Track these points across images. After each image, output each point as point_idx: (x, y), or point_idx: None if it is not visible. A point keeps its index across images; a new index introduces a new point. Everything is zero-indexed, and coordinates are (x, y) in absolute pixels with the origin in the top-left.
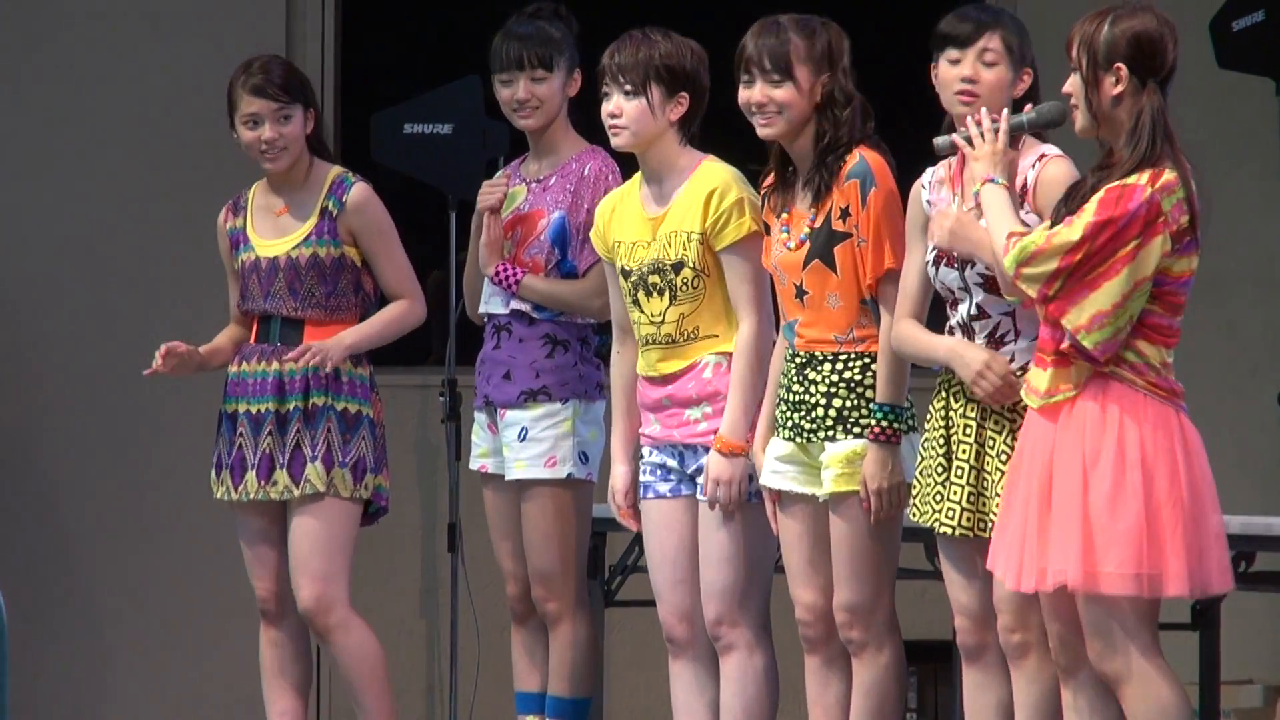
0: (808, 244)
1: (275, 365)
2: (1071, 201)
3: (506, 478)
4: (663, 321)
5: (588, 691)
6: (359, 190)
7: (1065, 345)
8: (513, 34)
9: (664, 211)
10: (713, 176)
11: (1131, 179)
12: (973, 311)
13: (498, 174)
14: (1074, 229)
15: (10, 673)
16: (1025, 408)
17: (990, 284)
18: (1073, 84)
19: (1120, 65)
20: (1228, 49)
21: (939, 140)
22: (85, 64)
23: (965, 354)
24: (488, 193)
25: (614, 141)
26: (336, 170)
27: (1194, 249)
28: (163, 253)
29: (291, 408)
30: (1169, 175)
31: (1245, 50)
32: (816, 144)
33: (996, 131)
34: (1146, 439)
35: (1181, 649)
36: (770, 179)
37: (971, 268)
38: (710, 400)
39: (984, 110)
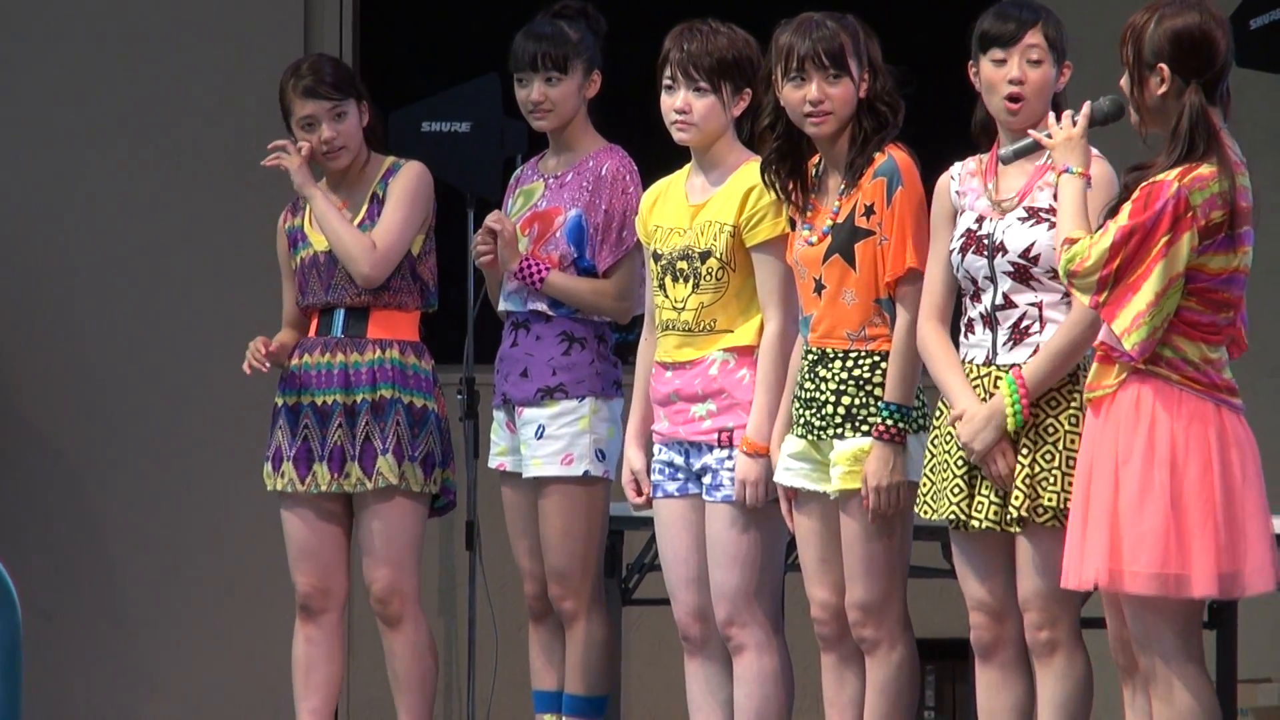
0: (829, 238)
1: (340, 357)
2: (1113, 205)
3: (523, 475)
4: (683, 308)
5: (605, 689)
6: (407, 164)
7: (1098, 342)
8: (530, 34)
9: (704, 201)
10: (753, 174)
11: (1160, 176)
12: (998, 301)
13: (498, 213)
14: (1108, 236)
15: (40, 671)
16: (1047, 401)
17: (1020, 273)
18: (1125, 81)
19: (1163, 66)
20: (1245, 47)
21: (1004, 151)
22: (103, 67)
23: (966, 412)
24: (480, 249)
25: (679, 137)
26: (391, 160)
27: (1229, 246)
28: (190, 252)
29: (359, 400)
30: (1203, 169)
31: (1262, 48)
32: (853, 142)
33: (1075, 121)
34: (1178, 436)
35: None
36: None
37: (1002, 255)
38: (714, 397)
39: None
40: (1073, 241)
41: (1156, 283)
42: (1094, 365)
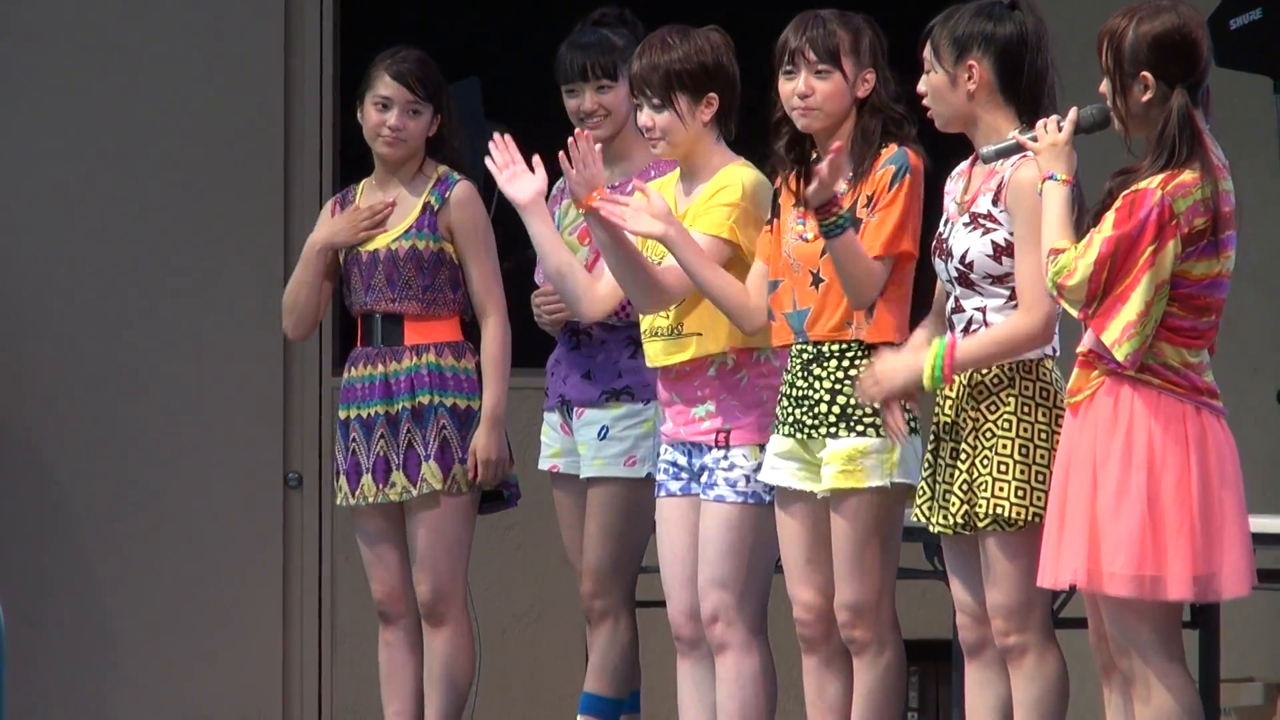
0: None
1: (380, 368)
2: (1095, 212)
3: (582, 475)
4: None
5: (624, 693)
6: (462, 187)
7: (1083, 349)
8: (576, 44)
9: (686, 208)
10: (728, 176)
11: (1143, 184)
12: (953, 305)
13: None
14: (1094, 248)
15: (14, 677)
16: (987, 405)
17: (963, 277)
18: (1106, 87)
19: (1146, 74)
20: (1225, 47)
21: (985, 151)
22: (81, 67)
23: (887, 354)
24: (549, 308)
25: (654, 151)
26: (443, 169)
27: (1213, 252)
28: (166, 253)
29: (400, 408)
30: (1186, 175)
31: (1242, 48)
32: (855, 141)
33: (1061, 127)
34: (1156, 438)
35: None
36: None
37: (949, 260)
38: (713, 398)
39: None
40: (1058, 252)
41: (1145, 292)
42: (1074, 370)
